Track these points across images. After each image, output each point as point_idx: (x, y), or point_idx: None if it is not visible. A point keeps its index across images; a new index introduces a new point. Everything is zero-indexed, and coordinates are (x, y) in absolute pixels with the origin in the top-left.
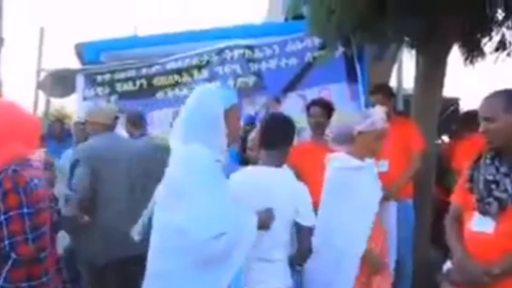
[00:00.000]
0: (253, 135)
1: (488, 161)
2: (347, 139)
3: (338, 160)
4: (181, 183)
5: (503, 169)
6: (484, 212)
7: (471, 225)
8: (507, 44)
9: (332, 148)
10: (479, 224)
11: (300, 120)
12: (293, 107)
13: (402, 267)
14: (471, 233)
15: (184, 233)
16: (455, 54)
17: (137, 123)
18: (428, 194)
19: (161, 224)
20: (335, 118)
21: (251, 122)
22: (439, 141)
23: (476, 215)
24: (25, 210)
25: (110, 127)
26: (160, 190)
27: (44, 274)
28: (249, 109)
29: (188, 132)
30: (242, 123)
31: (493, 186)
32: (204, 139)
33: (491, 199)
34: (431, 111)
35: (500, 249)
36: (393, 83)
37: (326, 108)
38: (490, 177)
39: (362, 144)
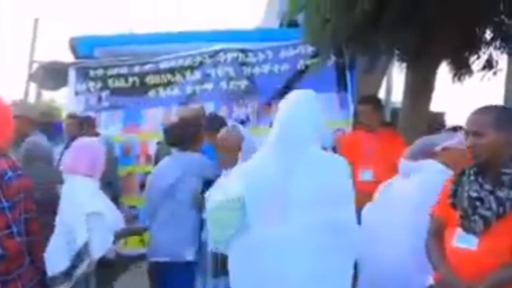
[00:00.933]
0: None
1: (472, 177)
2: (426, 153)
3: (434, 165)
4: (344, 186)
5: (487, 186)
6: (468, 229)
7: (454, 241)
8: (494, 63)
9: None
10: (462, 241)
11: None
12: None
13: None
14: (454, 249)
15: (347, 231)
16: (444, 70)
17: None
18: None
19: (319, 222)
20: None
21: (242, 125)
22: None
23: (459, 231)
24: (5, 204)
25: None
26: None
27: (17, 267)
28: (240, 112)
29: (316, 136)
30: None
31: (478, 203)
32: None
33: (476, 217)
34: (419, 125)
35: (483, 266)
36: (382, 94)
37: None
38: (474, 194)
39: (446, 159)
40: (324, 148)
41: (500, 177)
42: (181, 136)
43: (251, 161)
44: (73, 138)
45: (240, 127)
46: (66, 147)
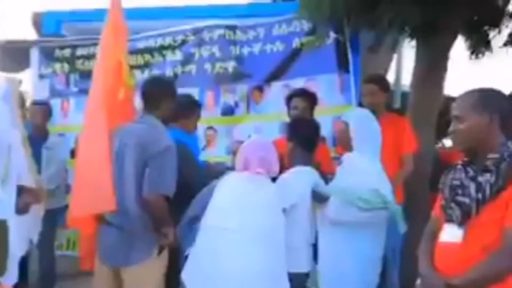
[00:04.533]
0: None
1: (459, 166)
2: None
3: None
4: None
5: (471, 173)
6: (448, 220)
7: (441, 236)
8: None
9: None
10: (448, 234)
11: (285, 113)
12: (276, 98)
13: (386, 282)
14: (440, 244)
15: None
16: (460, 47)
17: None
18: (421, 201)
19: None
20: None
21: (230, 112)
22: (439, 144)
23: (446, 225)
24: None
25: None
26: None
27: None
28: (227, 98)
29: None
30: (219, 113)
31: (459, 191)
32: None
33: (453, 204)
34: (430, 110)
35: (469, 260)
36: (391, 76)
37: (310, 100)
38: (457, 182)
39: None
40: (323, 139)
41: (485, 163)
42: None
43: (354, 163)
44: (39, 128)
45: None
46: (32, 139)
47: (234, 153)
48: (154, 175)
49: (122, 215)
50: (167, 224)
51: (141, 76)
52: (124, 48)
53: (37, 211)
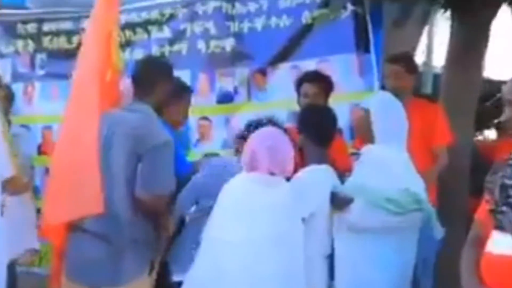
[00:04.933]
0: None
1: (511, 161)
2: None
3: None
4: None
5: None
6: (498, 226)
7: (488, 246)
8: None
9: None
10: (498, 243)
11: (294, 100)
12: (283, 82)
13: None
14: (488, 255)
15: None
16: (504, 21)
17: None
18: (458, 203)
19: None
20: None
21: (227, 100)
22: (480, 137)
23: (495, 233)
24: None
25: None
26: None
27: None
28: (225, 83)
29: None
30: (215, 101)
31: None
32: None
33: (505, 208)
34: (468, 96)
35: None
36: (421, 56)
37: (323, 84)
38: (509, 181)
39: None
40: (339, 130)
41: None
42: None
43: (376, 157)
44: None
45: None
46: None
47: (237, 150)
48: (147, 172)
49: (108, 222)
50: (165, 218)
51: (122, 56)
52: (115, 21)
53: (29, 213)
